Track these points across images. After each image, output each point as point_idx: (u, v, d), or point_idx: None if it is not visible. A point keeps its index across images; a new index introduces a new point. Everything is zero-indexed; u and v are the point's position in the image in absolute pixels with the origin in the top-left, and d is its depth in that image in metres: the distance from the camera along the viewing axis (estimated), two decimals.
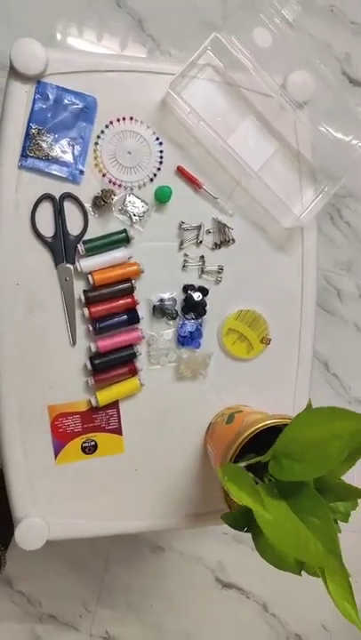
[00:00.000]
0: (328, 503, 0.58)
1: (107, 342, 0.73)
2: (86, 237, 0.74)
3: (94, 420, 0.76)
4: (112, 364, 0.75)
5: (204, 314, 0.78)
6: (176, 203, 0.76)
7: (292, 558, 0.54)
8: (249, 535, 0.59)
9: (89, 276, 0.72)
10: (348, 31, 1.44)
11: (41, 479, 0.75)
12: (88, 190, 0.73)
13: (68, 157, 0.72)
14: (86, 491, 0.77)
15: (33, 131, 0.71)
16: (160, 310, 0.77)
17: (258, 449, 0.63)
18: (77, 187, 0.73)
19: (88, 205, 0.73)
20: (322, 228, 1.44)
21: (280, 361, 0.82)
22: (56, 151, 0.72)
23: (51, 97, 0.71)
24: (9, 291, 0.72)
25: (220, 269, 0.79)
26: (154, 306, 0.77)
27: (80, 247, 0.72)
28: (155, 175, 0.75)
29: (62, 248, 0.73)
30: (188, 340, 0.78)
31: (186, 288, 0.77)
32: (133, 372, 0.76)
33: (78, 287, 0.74)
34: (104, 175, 0.74)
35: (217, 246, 0.78)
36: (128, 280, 0.74)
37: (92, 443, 0.76)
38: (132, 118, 0.74)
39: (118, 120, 0.73)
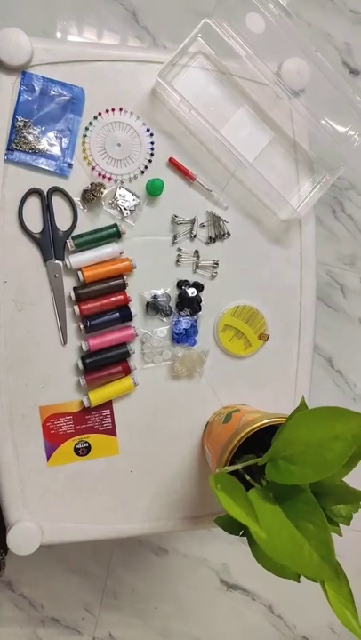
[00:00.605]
0: (329, 506, 0.56)
1: (98, 341, 0.71)
2: (76, 233, 0.72)
3: (87, 421, 0.74)
4: (104, 364, 0.73)
5: (200, 310, 0.76)
6: (168, 196, 0.74)
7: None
8: None
9: (79, 273, 0.70)
10: (348, 20, 1.41)
11: (33, 482, 0.73)
12: (77, 184, 0.71)
13: (56, 150, 0.70)
14: (80, 493, 0.75)
15: (19, 123, 0.69)
16: (154, 307, 0.74)
17: (258, 449, 0.61)
18: (66, 180, 0.71)
19: (77, 199, 0.72)
20: (324, 221, 1.41)
21: (279, 358, 0.80)
22: (43, 144, 0.70)
23: (37, 88, 0.69)
24: None
25: (216, 264, 0.76)
26: (147, 302, 0.74)
27: (69, 243, 0.70)
28: (146, 167, 0.73)
29: (51, 244, 0.71)
30: (183, 337, 0.75)
31: (180, 284, 0.75)
32: (127, 372, 0.74)
33: (68, 284, 0.72)
34: (93, 168, 0.72)
35: (211, 240, 0.76)
36: (120, 276, 0.72)
37: (86, 444, 0.74)
38: (121, 109, 0.72)
39: (107, 111, 0.71)
